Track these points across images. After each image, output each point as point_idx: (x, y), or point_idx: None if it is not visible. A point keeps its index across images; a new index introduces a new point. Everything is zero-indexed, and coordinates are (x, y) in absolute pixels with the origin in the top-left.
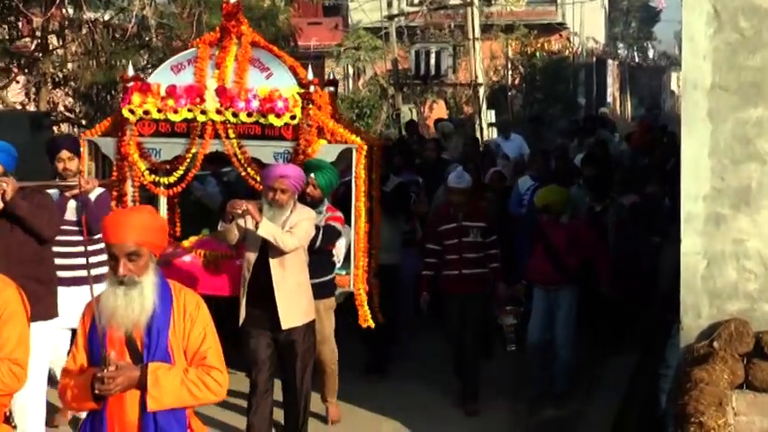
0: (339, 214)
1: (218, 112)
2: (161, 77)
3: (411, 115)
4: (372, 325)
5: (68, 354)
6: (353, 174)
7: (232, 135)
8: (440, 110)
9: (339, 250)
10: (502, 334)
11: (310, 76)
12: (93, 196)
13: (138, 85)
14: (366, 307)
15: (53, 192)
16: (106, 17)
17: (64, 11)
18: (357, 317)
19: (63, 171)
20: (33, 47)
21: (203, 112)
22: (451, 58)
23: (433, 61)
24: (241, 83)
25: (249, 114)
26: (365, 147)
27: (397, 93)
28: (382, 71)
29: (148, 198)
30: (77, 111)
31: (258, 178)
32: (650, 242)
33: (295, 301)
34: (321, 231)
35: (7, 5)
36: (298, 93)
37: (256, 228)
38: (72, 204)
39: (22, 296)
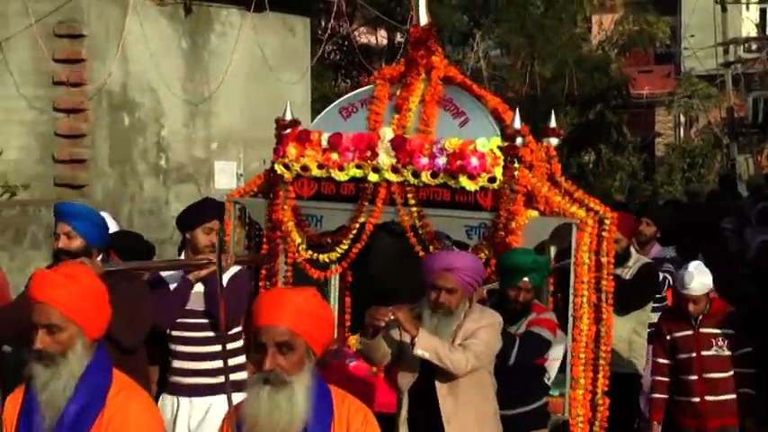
0: (548, 316)
1: (395, 170)
2: (326, 124)
3: (746, 166)
4: None
5: None
6: (573, 259)
7: (412, 201)
8: None
9: (552, 364)
10: None
11: (517, 123)
12: (226, 278)
13: (296, 133)
14: None
15: (172, 274)
16: None
17: None
18: None
19: (205, 248)
20: None
21: (375, 170)
22: None
23: None
24: (427, 131)
25: (434, 174)
26: (591, 222)
27: (732, 142)
28: (716, 119)
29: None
30: None
31: None
32: None
33: None
34: (517, 342)
35: (351, 60)
36: (499, 146)
37: (412, 344)
38: (199, 289)
39: (152, 410)
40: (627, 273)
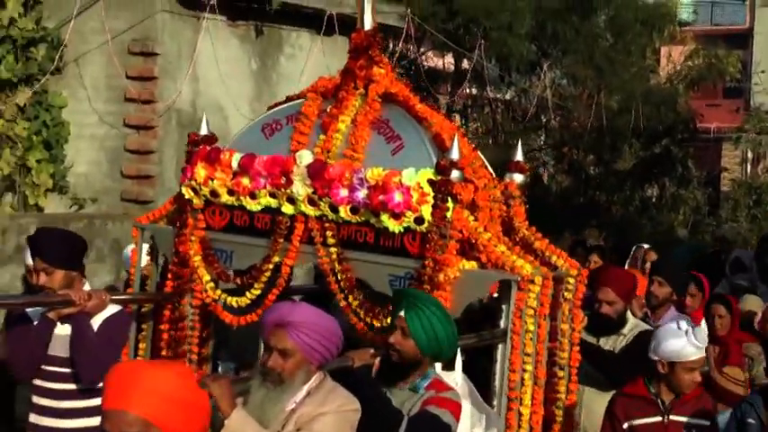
0: (450, 395)
1: (311, 201)
2: (247, 143)
3: None
4: None
5: None
6: (510, 323)
7: (331, 240)
8: None
9: None
10: None
11: (455, 153)
12: (99, 320)
13: (206, 152)
14: None
15: (34, 310)
16: (507, 97)
17: (468, 90)
18: None
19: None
20: None
21: (291, 201)
22: None
23: None
24: (354, 158)
25: (354, 210)
26: (538, 280)
27: None
28: None
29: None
30: None
31: (365, 316)
32: None
33: None
34: (406, 421)
35: (416, 86)
36: (429, 180)
37: (222, 427)
38: (63, 331)
39: None
40: (621, 341)
